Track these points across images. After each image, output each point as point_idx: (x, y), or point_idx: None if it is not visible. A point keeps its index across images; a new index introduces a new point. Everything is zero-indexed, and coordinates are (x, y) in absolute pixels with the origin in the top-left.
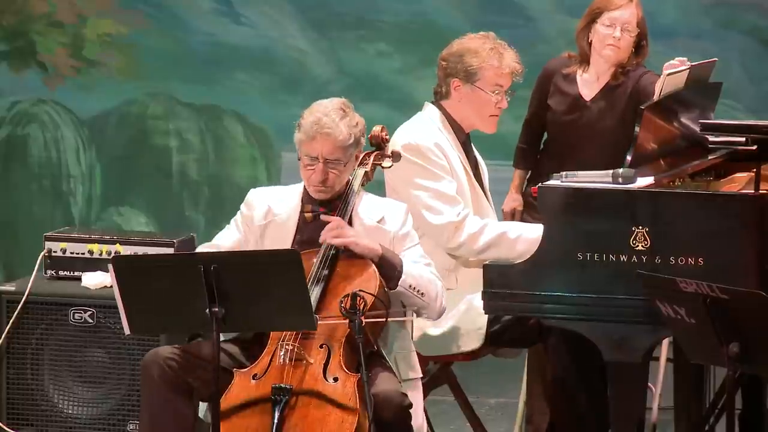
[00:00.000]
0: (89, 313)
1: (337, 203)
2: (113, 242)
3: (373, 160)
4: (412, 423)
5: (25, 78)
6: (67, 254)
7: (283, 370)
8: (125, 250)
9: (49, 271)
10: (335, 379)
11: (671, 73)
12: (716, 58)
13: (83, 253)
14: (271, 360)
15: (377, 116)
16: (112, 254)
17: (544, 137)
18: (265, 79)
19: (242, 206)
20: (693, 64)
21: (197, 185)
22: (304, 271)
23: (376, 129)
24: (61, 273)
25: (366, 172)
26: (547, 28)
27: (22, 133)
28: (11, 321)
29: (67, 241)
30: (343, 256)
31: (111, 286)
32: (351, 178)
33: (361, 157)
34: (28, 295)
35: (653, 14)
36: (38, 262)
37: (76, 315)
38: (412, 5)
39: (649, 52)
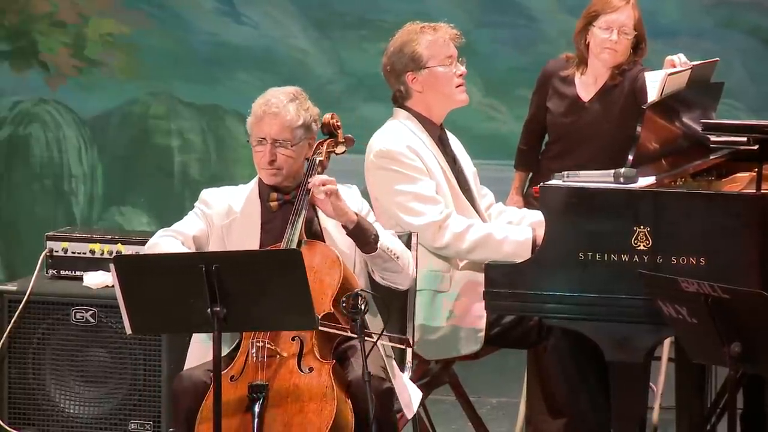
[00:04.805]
0: (91, 312)
1: (297, 191)
2: (115, 242)
3: (327, 148)
4: (398, 396)
5: (27, 78)
6: (69, 254)
7: (258, 368)
8: (127, 250)
9: (50, 271)
10: (310, 369)
11: (672, 73)
12: (718, 58)
13: (85, 253)
14: (246, 359)
15: (379, 116)
16: (114, 254)
17: (545, 138)
18: (266, 79)
19: (199, 204)
20: (695, 63)
21: (199, 185)
22: (305, 270)
23: (327, 116)
24: (62, 272)
25: (321, 160)
26: (548, 28)
27: (24, 133)
28: (13, 320)
29: (69, 241)
30: (306, 246)
31: (112, 286)
32: (307, 166)
33: (314, 146)
34: (29, 295)
35: (654, 13)
36: (40, 261)
37: (77, 314)
38: (414, 5)
39: (650, 51)
